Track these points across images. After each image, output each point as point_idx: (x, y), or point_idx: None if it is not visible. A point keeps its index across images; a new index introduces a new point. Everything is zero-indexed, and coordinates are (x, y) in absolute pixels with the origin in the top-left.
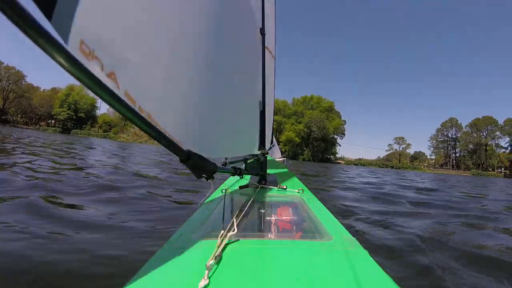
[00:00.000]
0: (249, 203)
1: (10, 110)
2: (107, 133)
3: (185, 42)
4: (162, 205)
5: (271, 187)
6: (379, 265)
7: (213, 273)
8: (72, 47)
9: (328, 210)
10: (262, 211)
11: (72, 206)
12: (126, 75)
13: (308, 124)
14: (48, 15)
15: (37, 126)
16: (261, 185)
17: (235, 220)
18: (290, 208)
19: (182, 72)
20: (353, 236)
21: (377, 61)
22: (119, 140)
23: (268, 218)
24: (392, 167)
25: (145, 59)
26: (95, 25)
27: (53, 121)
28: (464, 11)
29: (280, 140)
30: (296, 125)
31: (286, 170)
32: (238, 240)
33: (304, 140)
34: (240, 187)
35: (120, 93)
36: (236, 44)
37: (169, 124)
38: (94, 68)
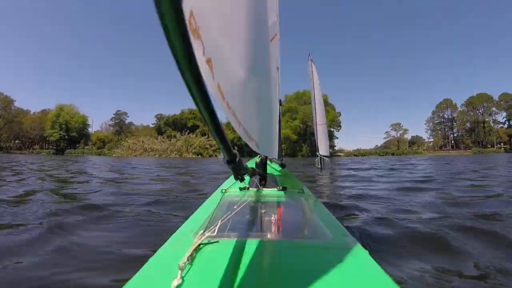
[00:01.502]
0: (249, 203)
1: (2, 137)
2: (101, 150)
3: (261, 44)
4: None
5: (270, 187)
6: (379, 265)
7: (186, 273)
8: (180, 16)
9: (328, 210)
10: (262, 211)
11: None
12: (220, 65)
13: (304, 120)
14: None
15: (30, 150)
16: (261, 186)
17: (234, 220)
18: (290, 208)
19: (257, 74)
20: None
21: (361, 49)
22: (114, 155)
23: (268, 218)
24: (393, 154)
25: (234, 51)
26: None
27: (46, 144)
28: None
29: None
30: (291, 122)
31: (286, 170)
32: (239, 240)
33: (301, 136)
34: (240, 188)
35: (213, 84)
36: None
37: (247, 124)
38: (197, 48)
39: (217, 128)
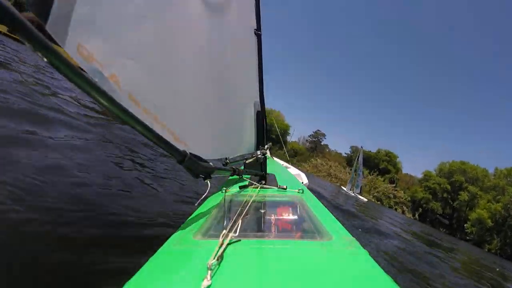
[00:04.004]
0: (249, 203)
1: None
2: (290, 159)
3: (182, 45)
4: None
5: (271, 187)
6: (379, 265)
7: (215, 273)
8: (70, 50)
9: (328, 210)
10: (263, 211)
11: None
12: (129, 77)
13: (508, 206)
14: (44, 19)
15: None
16: (261, 185)
17: (235, 220)
18: (290, 208)
19: (182, 77)
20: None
21: None
22: (299, 168)
23: (268, 218)
24: None
25: (146, 62)
26: (94, 29)
27: None
28: None
29: (469, 217)
30: (492, 203)
31: (285, 170)
32: (239, 240)
33: (497, 225)
34: (240, 187)
35: (123, 94)
36: (229, 45)
37: (173, 125)
38: (94, 70)
39: (151, 133)
